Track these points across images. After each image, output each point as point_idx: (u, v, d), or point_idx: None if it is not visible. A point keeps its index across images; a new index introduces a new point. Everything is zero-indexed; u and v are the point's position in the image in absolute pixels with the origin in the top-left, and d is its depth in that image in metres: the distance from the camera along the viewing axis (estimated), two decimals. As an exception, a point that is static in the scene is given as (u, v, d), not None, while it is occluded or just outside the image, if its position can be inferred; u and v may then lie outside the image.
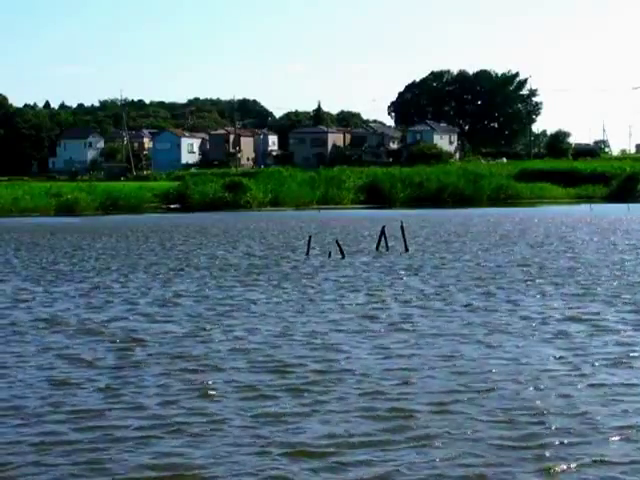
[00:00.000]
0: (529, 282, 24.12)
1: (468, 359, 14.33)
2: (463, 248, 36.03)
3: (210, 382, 12.99)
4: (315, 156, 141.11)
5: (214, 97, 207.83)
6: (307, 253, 33.71)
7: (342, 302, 20.88)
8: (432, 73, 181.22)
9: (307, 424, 10.80)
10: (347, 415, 11.15)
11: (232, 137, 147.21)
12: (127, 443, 10.10)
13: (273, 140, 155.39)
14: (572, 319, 17.99)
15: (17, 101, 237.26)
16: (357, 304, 20.49)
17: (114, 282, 25.55)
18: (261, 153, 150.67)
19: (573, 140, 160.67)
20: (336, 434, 10.36)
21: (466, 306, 19.96)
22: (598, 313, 18.66)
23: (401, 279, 25.32)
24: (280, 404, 11.74)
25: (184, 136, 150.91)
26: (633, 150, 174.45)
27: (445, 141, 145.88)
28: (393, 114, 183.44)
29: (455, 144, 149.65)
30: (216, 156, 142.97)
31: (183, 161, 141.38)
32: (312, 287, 23.79)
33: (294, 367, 13.88)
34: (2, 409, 11.61)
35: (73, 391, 12.45)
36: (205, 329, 17.32)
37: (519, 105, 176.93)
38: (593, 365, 13.81)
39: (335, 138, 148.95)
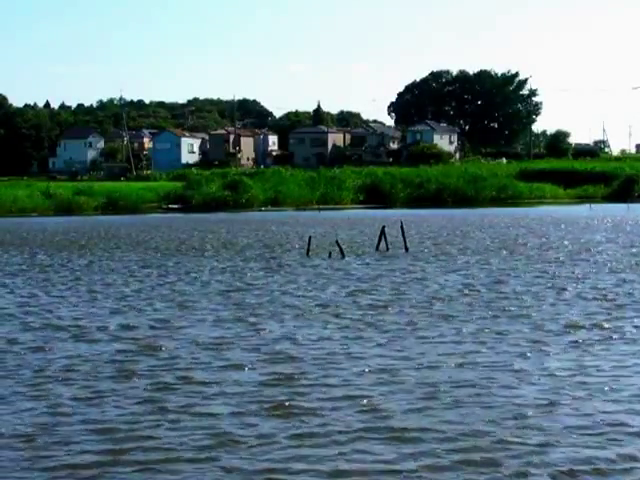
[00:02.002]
0: (546, 284, 23.82)
1: (511, 370, 13.70)
2: (466, 248, 36.01)
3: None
4: (315, 156, 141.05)
5: (214, 97, 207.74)
6: (307, 253, 33.71)
7: (348, 304, 20.69)
8: (432, 73, 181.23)
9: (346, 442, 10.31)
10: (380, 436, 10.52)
11: (232, 137, 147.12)
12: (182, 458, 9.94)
13: (273, 140, 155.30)
14: (603, 328, 17.11)
15: (17, 101, 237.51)
16: (364, 307, 20.17)
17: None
18: (261, 153, 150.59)
19: (573, 140, 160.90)
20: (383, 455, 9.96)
21: (487, 309, 19.54)
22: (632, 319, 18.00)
23: (404, 279, 25.30)
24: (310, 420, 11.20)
25: (184, 136, 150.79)
26: (633, 150, 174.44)
27: (445, 141, 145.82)
28: (393, 114, 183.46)
29: (455, 144, 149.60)
30: (216, 156, 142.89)
31: (183, 161, 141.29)
32: (315, 289, 23.76)
33: (309, 376, 13.40)
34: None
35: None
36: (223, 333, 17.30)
37: (519, 105, 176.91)
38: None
39: (335, 138, 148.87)
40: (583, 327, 17.17)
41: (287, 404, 11.80)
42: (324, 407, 11.67)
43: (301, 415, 11.32)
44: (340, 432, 10.60)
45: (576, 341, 15.83)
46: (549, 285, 23.55)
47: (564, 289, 22.68)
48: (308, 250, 34.09)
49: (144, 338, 16.61)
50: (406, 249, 34.69)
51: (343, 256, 32.23)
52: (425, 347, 15.47)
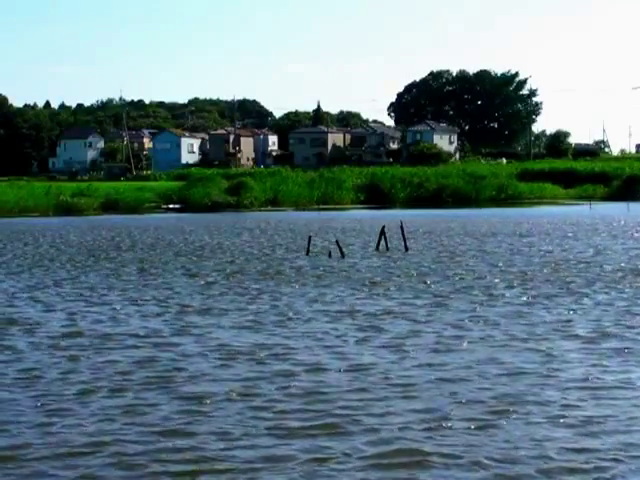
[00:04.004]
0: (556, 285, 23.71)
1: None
2: (466, 248, 36.00)
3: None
4: (315, 156, 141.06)
5: (214, 97, 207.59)
6: (307, 253, 33.71)
7: (354, 307, 20.57)
8: (432, 73, 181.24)
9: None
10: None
11: (232, 137, 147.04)
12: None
13: (273, 140, 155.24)
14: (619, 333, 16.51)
15: (17, 101, 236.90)
16: (373, 311, 19.80)
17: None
18: (261, 153, 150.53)
19: (573, 140, 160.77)
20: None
21: (500, 308, 19.40)
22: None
23: (409, 281, 25.24)
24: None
25: (184, 136, 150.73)
26: (633, 150, 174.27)
27: (445, 141, 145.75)
28: (393, 114, 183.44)
29: (455, 144, 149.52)
30: (216, 156, 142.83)
31: (183, 161, 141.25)
32: (320, 291, 23.65)
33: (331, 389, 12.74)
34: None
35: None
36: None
37: (519, 105, 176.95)
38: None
39: (335, 138, 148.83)
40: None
41: (337, 420, 11.17)
42: (385, 422, 11.07)
43: (365, 432, 10.74)
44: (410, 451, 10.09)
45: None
46: (568, 289, 23.48)
47: (576, 287, 22.61)
48: (308, 250, 34.10)
49: (165, 344, 16.12)
50: (406, 249, 34.69)
51: (343, 256, 32.23)
52: (452, 355, 14.86)
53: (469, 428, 10.76)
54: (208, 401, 12.12)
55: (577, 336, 16.33)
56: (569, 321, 17.88)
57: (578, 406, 11.68)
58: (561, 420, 11.04)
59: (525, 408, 11.58)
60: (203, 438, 10.50)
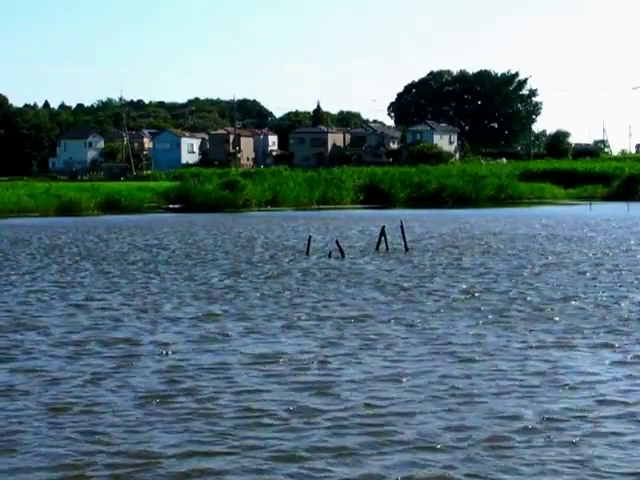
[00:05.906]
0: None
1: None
2: (466, 248, 36.01)
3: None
4: (315, 156, 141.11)
5: (214, 97, 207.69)
6: (307, 253, 33.74)
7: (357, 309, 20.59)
8: (432, 73, 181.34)
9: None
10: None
11: (232, 137, 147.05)
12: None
13: (273, 140, 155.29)
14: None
15: (17, 101, 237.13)
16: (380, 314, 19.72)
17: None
18: (261, 153, 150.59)
19: (573, 140, 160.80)
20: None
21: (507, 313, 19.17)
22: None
23: (407, 280, 25.27)
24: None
25: (184, 136, 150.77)
26: (633, 150, 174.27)
27: (445, 141, 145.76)
28: (393, 114, 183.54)
29: (455, 144, 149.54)
30: (216, 156, 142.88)
31: (183, 161, 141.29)
32: (322, 294, 23.63)
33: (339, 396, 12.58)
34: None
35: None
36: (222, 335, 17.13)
37: (519, 105, 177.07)
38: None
39: (335, 138, 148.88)
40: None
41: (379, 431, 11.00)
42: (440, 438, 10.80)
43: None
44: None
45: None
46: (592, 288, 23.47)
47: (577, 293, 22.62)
48: (308, 250, 34.12)
49: (183, 351, 15.83)
50: (406, 249, 34.71)
51: (343, 256, 32.25)
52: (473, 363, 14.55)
53: (522, 441, 10.65)
54: (252, 415, 11.73)
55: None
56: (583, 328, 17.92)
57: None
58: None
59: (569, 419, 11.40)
60: (251, 454, 10.22)
